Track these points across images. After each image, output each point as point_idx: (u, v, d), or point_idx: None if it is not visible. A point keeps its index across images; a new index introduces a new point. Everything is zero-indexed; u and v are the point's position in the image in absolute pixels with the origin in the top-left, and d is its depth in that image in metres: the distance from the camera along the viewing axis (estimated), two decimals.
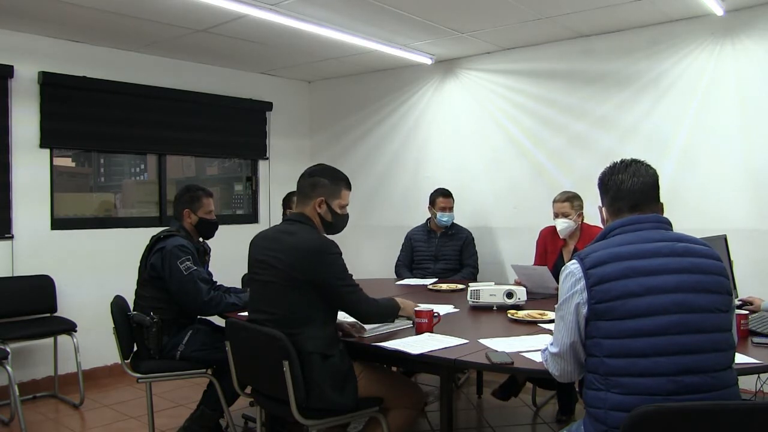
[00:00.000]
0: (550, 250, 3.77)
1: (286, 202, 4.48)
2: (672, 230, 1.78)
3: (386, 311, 2.52)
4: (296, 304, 2.30)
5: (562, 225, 3.60)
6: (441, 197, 4.53)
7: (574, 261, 1.74)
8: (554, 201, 3.69)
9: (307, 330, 2.27)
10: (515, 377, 3.55)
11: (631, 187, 1.80)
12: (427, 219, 4.65)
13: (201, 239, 3.37)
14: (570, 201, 3.62)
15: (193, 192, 3.31)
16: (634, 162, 1.86)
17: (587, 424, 1.69)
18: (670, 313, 1.60)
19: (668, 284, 1.63)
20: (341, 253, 2.36)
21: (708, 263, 1.69)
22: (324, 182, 2.47)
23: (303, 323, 2.28)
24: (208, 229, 3.34)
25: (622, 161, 1.87)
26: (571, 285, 1.71)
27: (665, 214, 1.83)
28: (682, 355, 1.58)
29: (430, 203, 4.59)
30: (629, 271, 1.64)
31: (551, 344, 1.83)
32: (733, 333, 1.70)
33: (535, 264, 3.88)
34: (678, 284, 1.63)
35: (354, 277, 2.41)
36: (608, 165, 1.90)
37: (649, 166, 1.86)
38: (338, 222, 2.51)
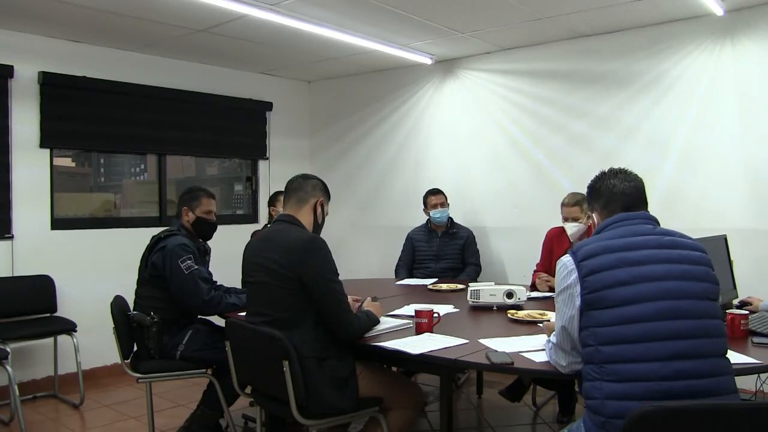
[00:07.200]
0: (557, 251, 3.72)
1: (272, 201, 4.51)
2: (659, 226, 1.86)
3: (369, 324, 2.49)
4: (287, 304, 2.30)
5: (572, 229, 3.52)
6: (431, 195, 4.57)
7: (567, 254, 1.83)
8: (563, 204, 3.58)
9: (299, 333, 2.27)
10: (521, 379, 3.54)
11: (624, 190, 1.90)
12: (427, 219, 4.66)
13: (200, 240, 3.37)
14: (579, 205, 3.49)
15: (194, 192, 3.33)
16: (622, 170, 1.97)
17: (586, 420, 1.72)
18: (659, 299, 1.66)
19: (657, 272, 1.70)
20: (329, 251, 2.37)
21: (694, 255, 1.77)
22: (321, 186, 2.58)
23: (295, 325, 2.28)
24: (205, 229, 3.32)
25: (611, 169, 1.98)
26: (565, 277, 1.79)
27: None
28: (674, 340, 1.62)
29: (423, 205, 4.61)
30: (619, 261, 1.72)
31: (554, 335, 1.88)
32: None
33: (541, 264, 3.85)
34: (667, 272, 1.70)
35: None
36: (596, 175, 2.00)
37: (635, 174, 1.97)
38: (322, 225, 2.60)
